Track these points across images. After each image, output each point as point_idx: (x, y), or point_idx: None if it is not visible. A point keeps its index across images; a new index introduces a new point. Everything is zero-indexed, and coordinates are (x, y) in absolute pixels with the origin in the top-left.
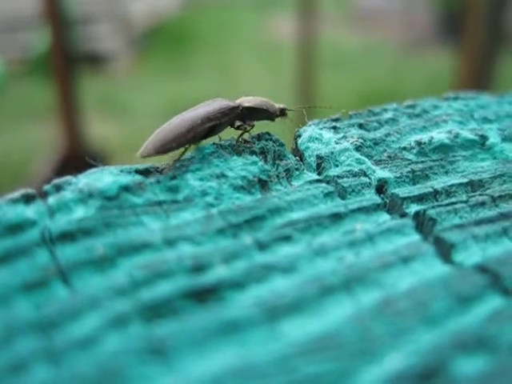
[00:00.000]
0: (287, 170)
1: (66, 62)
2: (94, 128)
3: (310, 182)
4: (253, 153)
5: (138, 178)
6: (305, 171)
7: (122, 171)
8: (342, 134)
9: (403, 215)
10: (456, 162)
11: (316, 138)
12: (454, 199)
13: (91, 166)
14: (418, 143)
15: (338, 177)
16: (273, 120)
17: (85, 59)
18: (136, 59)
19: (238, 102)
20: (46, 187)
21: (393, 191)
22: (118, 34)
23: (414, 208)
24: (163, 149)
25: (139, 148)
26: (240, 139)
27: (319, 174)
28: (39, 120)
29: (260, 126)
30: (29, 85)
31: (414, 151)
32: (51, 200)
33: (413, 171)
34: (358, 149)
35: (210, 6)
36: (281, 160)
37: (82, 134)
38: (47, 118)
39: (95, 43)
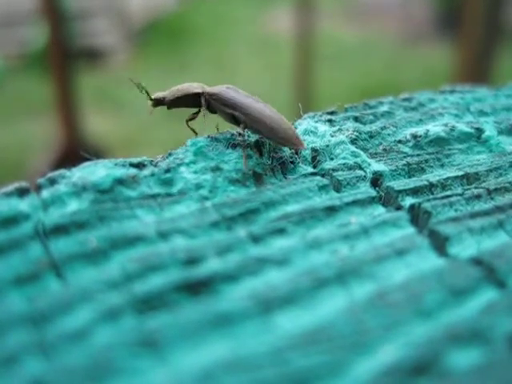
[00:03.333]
0: (282, 163)
1: (64, 57)
2: (92, 123)
3: (305, 175)
4: (248, 146)
5: (132, 171)
6: (300, 164)
7: (116, 164)
8: (337, 127)
9: (398, 208)
10: (452, 155)
11: (311, 131)
12: (449, 192)
13: (87, 160)
14: (414, 136)
15: (333, 170)
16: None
17: (82, 54)
18: (133, 54)
19: None
20: (40, 181)
21: (388, 184)
22: (115, 28)
23: (409, 201)
24: None
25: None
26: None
27: (314, 167)
28: (36, 115)
29: None
30: (26, 80)
31: (410, 144)
32: (45, 193)
33: (408, 164)
34: (353, 142)
35: (208, 0)
36: (276, 153)
37: (79, 130)
38: (45, 113)
39: (93, 38)
